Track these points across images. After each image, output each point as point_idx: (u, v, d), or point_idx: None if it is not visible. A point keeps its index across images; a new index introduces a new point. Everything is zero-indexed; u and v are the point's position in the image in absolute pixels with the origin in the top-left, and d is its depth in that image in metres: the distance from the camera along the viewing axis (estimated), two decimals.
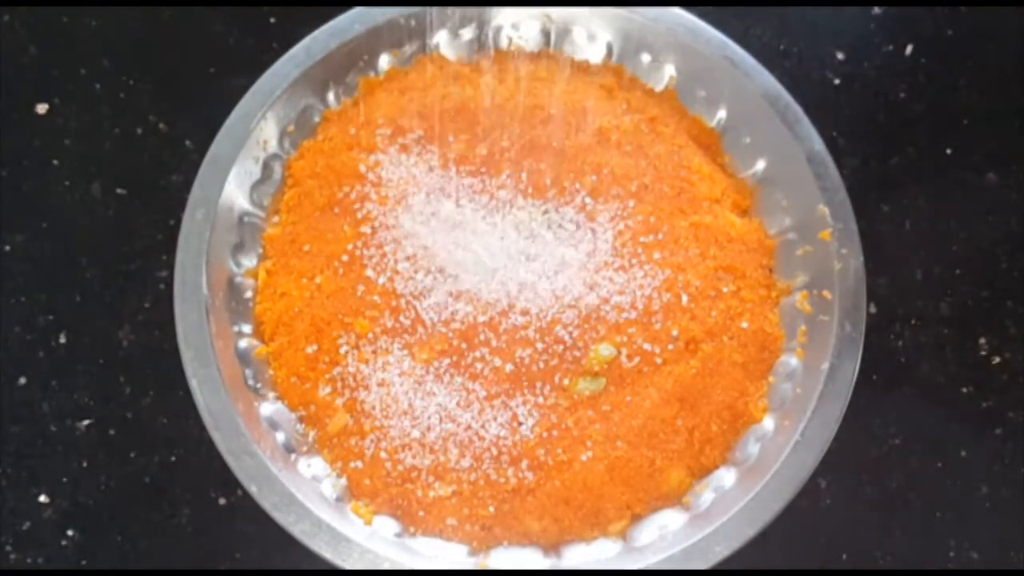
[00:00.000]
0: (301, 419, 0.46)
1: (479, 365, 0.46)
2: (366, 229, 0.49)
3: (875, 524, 0.52)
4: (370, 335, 0.47)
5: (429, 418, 0.45)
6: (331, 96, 0.53)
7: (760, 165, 0.52)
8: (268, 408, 0.46)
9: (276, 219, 0.51)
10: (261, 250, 0.50)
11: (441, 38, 0.55)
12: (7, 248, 0.56)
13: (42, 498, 0.51)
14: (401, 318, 0.47)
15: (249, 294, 0.49)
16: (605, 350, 0.46)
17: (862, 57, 0.64)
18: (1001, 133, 0.62)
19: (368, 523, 0.44)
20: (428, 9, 0.53)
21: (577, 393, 0.46)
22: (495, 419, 0.45)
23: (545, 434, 0.45)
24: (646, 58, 0.55)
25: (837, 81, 0.63)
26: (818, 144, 0.50)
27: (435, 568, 0.42)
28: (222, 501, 0.51)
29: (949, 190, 0.60)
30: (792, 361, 0.47)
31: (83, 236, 0.57)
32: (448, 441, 0.45)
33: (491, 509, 0.44)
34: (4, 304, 0.55)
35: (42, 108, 0.60)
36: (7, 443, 0.52)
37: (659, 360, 0.46)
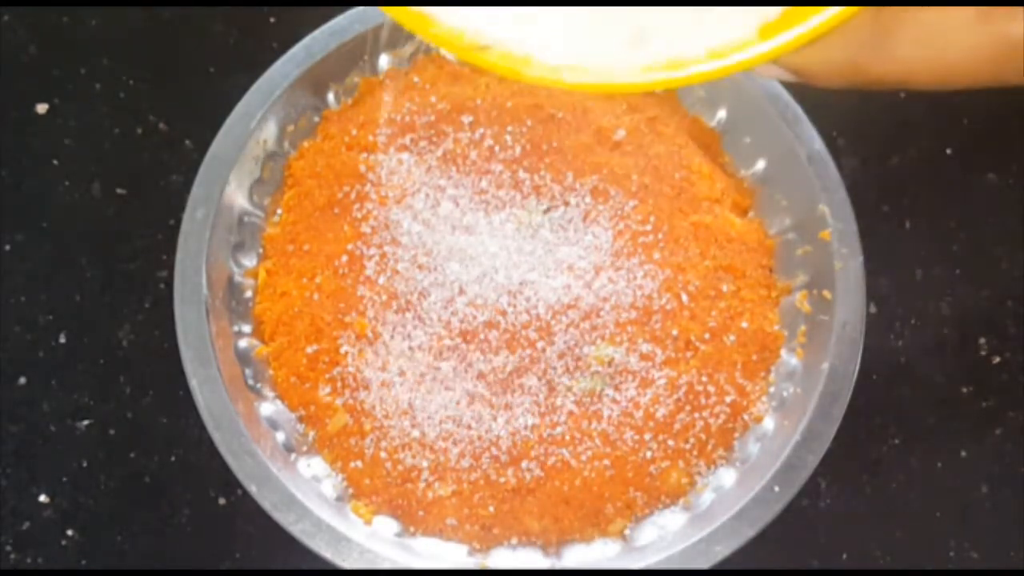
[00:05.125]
0: (301, 419, 0.46)
1: (479, 365, 0.46)
2: (366, 229, 0.49)
3: (875, 524, 0.52)
4: (370, 335, 0.47)
5: (429, 418, 0.45)
6: (331, 96, 0.53)
7: (760, 165, 0.52)
8: (268, 408, 0.46)
9: (276, 219, 0.51)
10: (261, 250, 0.50)
11: None
12: (7, 248, 0.56)
13: (42, 498, 0.51)
14: (401, 318, 0.47)
15: (249, 294, 0.49)
16: (605, 350, 0.46)
17: None
18: (1001, 133, 0.62)
19: (368, 523, 0.44)
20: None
21: (577, 393, 0.46)
22: (495, 419, 0.45)
23: (545, 434, 0.45)
24: None
25: None
26: (818, 144, 0.50)
27: (435, 568, 0.42)
28: (222, 501, 0.51)
29: (949, 190, 0.60)
30: (792, 361, 0.47)
31: (83, 236, 0.57)
32: (448, 441, 0.45)
33: (491, 509, 0.44)
34: (4, 304, 0.55)
35: (42, 108, 0.60)
36: (7, 443, 0.52)
37: (659, 360, 0.46)
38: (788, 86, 0.52)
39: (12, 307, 0.55)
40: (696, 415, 0.46)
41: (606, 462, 0.45)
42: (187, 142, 0.59)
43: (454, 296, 0.47)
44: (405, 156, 0.51)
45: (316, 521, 0.41)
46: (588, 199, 0.50)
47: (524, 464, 0.44)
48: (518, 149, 0.51)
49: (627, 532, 0.45)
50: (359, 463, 0.45)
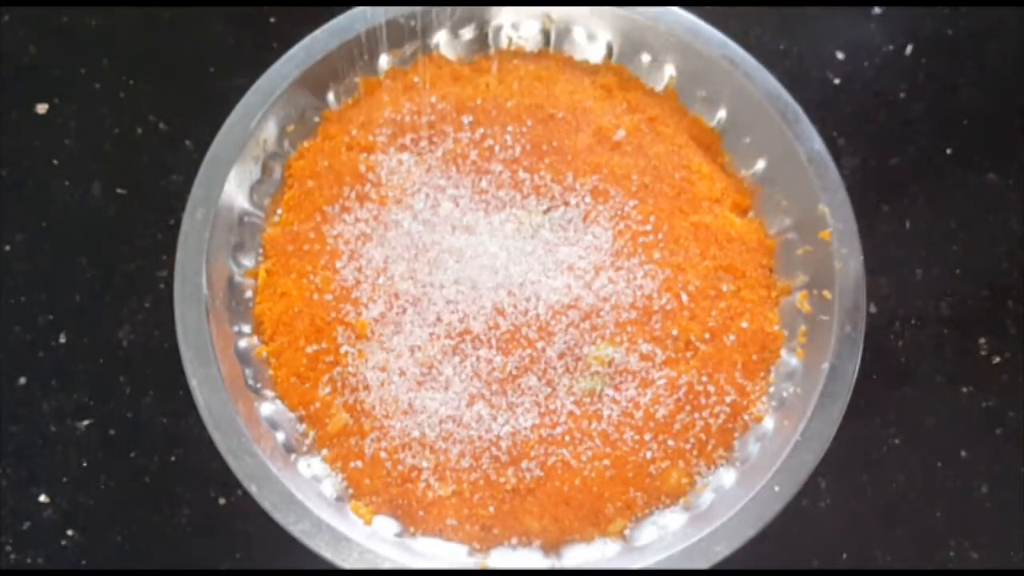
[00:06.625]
0: (301, 419, 0.46)
1: (479, 365, 0.46)
2: (366, 229, 0.49)
3: (875, 524, 0.52)
4: (370, 335, 0.47)
5: (429, 418, 0.45)
6: (331, 96, 0.53)
7: (760, 165, 0.52)
8: (268, 408, 0.46)
9: (276, 219, 0.51)
10: (261, 250, 0.50)
11: (441, 38, 0.55)
12: (7, 248, 0.56)
13: (42, 498, 0.51)
14: (401, 318, 0.47)
15: (249, 294, 0.49)
16: (605, 350, 0.46)
17: (862, 57, 0.64)
18: (1001, 133, 0.62)
19: (368, 523, 0.44)
20: (428, 9, 0.53)
21: (577, 393, 0.46)
22: (495, 419, 0.45)
23: (545, 434, 0.45)
24: (646, 58, 0.55)
25: (837, 81, 0.63)
26: (818, 144, 0.50)
27: (435, 568, 0.42)
28: (222, 501, 0.51)
29: (949, 190, 0.60)
30: (792, 361, 0.47)
31: (83, 236, 0.57)
32: (448, 441, 0.45)
33: (491, 509, 0.44)
34: (4, 304, 0.55)
35: (42, 108, 0.60)
36: (7, 443, 0.52)
37: (659, 360, 0.46)
38: (787, 86, 0.52)
39: (12, 307, 0.55)
40: (696, 415, 0.46)
41: (606, 462, 0.45)
42: (187, 142, 0.59)
43: (454, 296, 0.47)
44: (405, 156, 0.51)
45: (316, 521, 0.41)
46: (588, 199, 0.50)
47: (524, 464, 0.44)
48: (518, 149, 0.51)
49: (627, 532, 0.45)
50: (359, 463, 0.45)
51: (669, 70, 0.55)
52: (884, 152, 0.61)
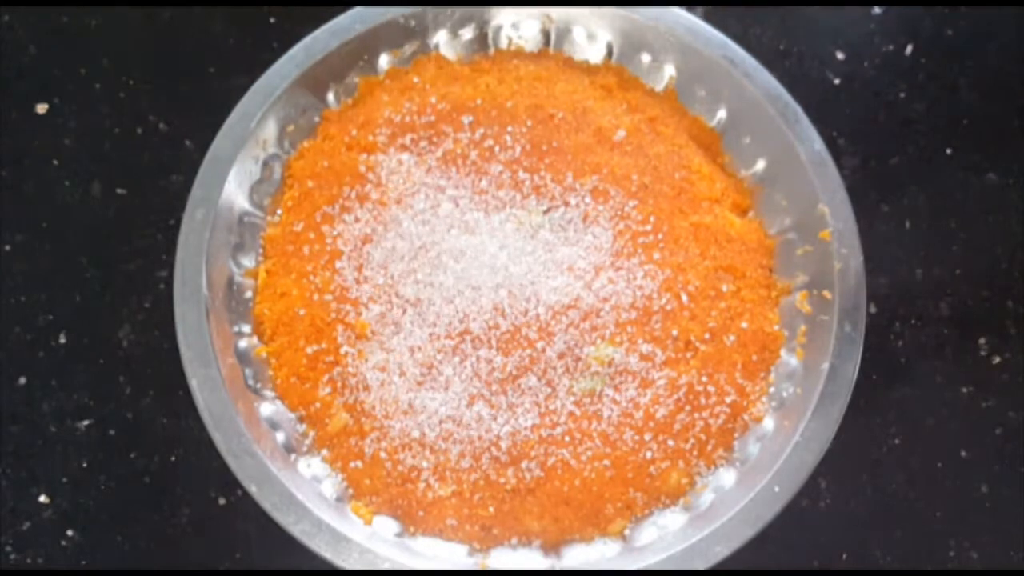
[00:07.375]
0: (301, 419, 0.46)
1: (479, 365, 0.46)
2: (366, 229, 0.49)
3: (875, 524, 0.52)
4: (370, 335, 0.47)
5: (429, 418, 0.45)
6: (331, 96, 0.53)
7: (760, 165, 0.52)
8: (268, 408, 0.46)
9: (276, 219, 0.51)
10: (261, 250, 0.50)
11: (441, 38, 0.55)
12: (7, 248, 0.56)
13: (42, 498, 0.51)
14: (401, 318, 0.47)
15: (249, 294, 0.49)
16: (605, 350, 0.46)
17: (862, 57, 0.64)
18: (1001, 133, 0.62)
19: (368, 523, 0.44)
20: (428, 9, 0.53)
21: (577, 393, 0.46)
22: (495, 419, 0.45)
23: (545, 434, 0.45)
24: (646, 58, 0.55)
25: (837, 81, 0.63)
26: (818, 144, 0.50)
27: (435, 568, 0.42)
28: (222, 501, 0.51)
29: (949, 190, 0.60)
30: (792, 361, 0.47)
31: (83, 236, 0.57)
32: (448, 441, 0.45)
33: (491, 509, 0.44)
34: (4, 304, 0.55)
35: (42, 108, 0.60)
36: (7, 443, 0.52)
37: (659, 360, 0.46)
38: (787, 86, 0.52)
39: (12, 307, 0.55)
40: (696, 415, 0.46)
41: (606, 462, 0.45)
42: (187, 142, 0.59)
43: (454, 296, 0.47)
44: (405, 156, 0.51)
45: (316, 521, 0.41)
46: (588, 199, 0.50)
47: (524, 464, 0.44)
48: (518, 149, 0.51)
49: (627, 532, 0.45)
50: (359, 463, 0.45)
51: (669, 70, 0.55)
52: (884, 152, 0.61)
